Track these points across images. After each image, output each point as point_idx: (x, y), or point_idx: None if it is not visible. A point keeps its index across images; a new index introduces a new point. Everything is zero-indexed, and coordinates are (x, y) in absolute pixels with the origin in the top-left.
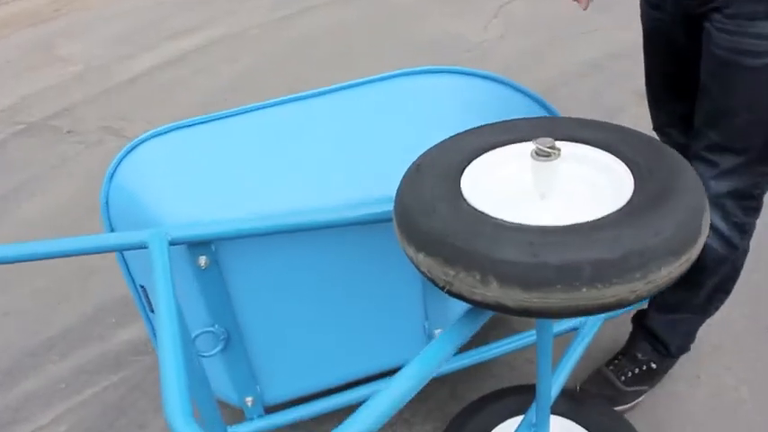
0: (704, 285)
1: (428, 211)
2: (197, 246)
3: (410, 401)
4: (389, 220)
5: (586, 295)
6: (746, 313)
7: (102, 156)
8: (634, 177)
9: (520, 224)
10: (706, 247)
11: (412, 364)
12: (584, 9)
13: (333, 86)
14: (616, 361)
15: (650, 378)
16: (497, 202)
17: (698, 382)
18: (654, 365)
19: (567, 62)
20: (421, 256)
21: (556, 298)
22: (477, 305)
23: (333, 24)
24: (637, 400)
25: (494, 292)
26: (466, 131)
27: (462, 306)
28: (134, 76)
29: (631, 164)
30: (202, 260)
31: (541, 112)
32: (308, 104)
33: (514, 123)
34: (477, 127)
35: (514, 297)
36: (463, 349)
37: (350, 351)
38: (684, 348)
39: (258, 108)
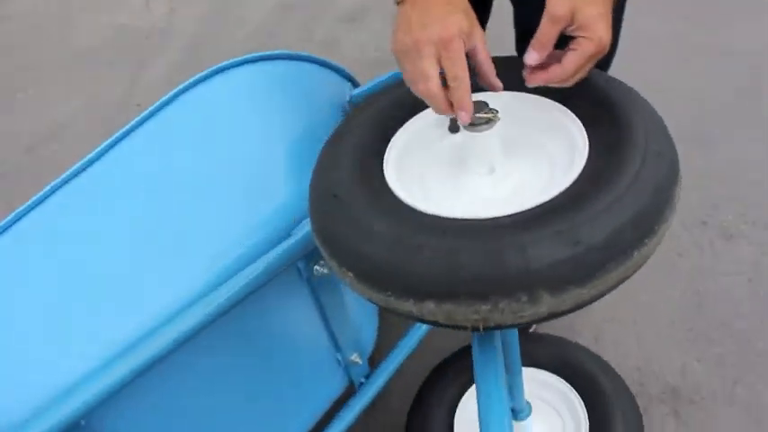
0: None
1: (413, 250)
2: None
3: None
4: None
5: (636, 258)
6: None
7: None
8: (579, 118)
9: (529, 211)
10: None
11: None
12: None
13: (109, 141)
14: None
15: None
16: (462, 201)
17: None
18: None
19: (257, 11)
20: (431, 306)
21: (612, 278)
22: (520, 326)
23: None
24: None
25: (546, 305)
26: (343, 125)
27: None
28: None
29: (567, 102)
30: None
31: (337, 78)
32: (86, 181)
33: (395, 92)
34: (351, 115)
35: (571, 299)
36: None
37: (270, 421)
38: None
39: (26, 212)
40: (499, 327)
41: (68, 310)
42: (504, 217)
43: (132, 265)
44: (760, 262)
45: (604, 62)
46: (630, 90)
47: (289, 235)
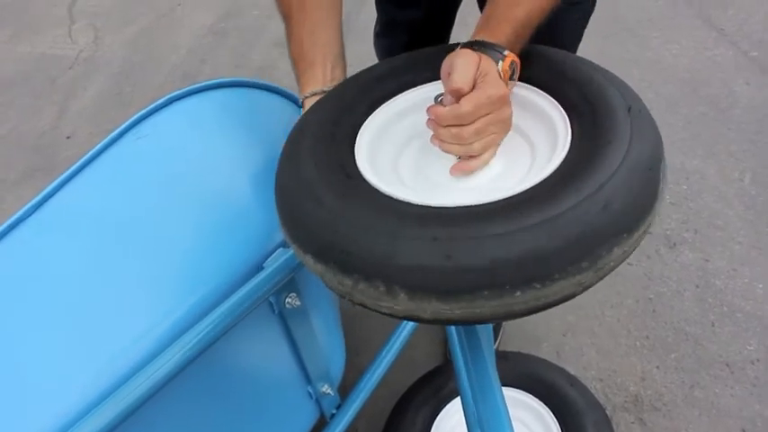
0: None
1: (312, 199)
2: None
3: None
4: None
5: (522, 299)
6: None
7: None
8: (568, 115)
9: (426, 207)
10: None
11: None
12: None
13: (60, 179)
14: None
15: None
16: (406, 178)
17: None
18: None
19: (188, 37)
20: (309, 260)
21: (484, 306)
22: (388, 316)
23: None
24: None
25: (404, 304)
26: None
27: (337, 350)
28: None
29: (559, 96)
30: None
31: (287, 104)
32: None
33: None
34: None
35: (431, 309)
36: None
37: None
38: None
39: None
40: (365, 307)
41: (26, 361)
42: (413, 203)
43: (91, 310)
44: (704, 268)
45: None
46: (625, 86)
47: (261, 268)
